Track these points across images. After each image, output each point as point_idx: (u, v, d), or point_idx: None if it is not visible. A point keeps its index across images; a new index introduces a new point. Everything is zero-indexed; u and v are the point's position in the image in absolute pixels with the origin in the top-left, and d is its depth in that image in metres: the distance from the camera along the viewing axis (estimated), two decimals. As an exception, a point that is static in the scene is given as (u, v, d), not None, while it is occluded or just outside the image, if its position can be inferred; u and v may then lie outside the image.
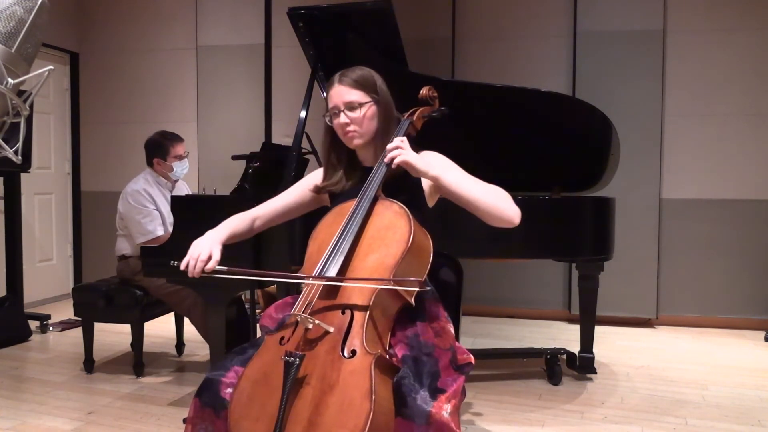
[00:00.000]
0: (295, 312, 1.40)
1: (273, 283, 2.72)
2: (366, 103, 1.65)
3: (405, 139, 1.57)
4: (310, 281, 1.44)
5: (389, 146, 1.56)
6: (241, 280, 2.62)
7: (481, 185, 1.56)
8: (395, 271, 1.39)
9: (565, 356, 3.17)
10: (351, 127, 1.65)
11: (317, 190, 1.76)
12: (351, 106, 1.64)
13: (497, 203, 1.52)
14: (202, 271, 1.52)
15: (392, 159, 1.53)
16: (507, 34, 4.53)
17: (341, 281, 1.41)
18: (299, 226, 2.49)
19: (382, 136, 1.68)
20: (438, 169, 1.54)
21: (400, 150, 1.53)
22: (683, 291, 4.31)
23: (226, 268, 1.52)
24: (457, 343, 1.50)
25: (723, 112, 4.22)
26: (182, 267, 1.53)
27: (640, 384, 3.08)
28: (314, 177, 1.81)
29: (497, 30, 4.55)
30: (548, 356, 3.13)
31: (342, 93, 1.65)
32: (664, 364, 3.43)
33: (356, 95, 1.64)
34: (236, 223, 1.72)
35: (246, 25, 4.97)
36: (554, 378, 3.05)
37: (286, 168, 2.74)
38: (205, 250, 1.55)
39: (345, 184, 1.72)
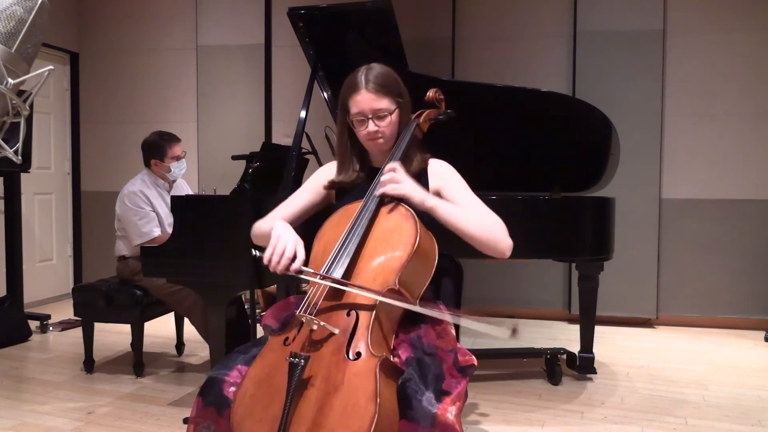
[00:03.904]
0: (301, 313, 1.39)
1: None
2: (394, 110, 1.62)
3: (397, 166, 1.53)
4: (382, 299, 1.36)
5: (384, 168, 1.55)
6: (242, 281, 2.62)
7: (476, 216, 1.55)
8: (401, 274, 1.39)
9: (565, 356, 3.17)
10: (379, 134, 1.62)
11: (332, 184, 1.72)
12: (380, 115, 1.60)
13: (489, 235, 1.53)
14: (287, 269, 1.44)
15: (386, 191, 1.50)
16: (507, 34, 4.53)
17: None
18: (301, 226, 2.48)
19: (396, 136, 1.67)
20: (433, 200, 1.53)
21: (393, 175, 1.51)
22: (683, 291, 4.31)
23: (312, 270, 1.42)
24: (459, 345, 1.50)
25: (723, 112, 4.22)
26: (265, 261, 1.45)
27: (640, 384, 3.08)
28: (325, 174, 1.77)
29: (497, 30, 4.54)
30: (548, 356, 3.13)
31: (370, 101, 1.59)
32: (664, 364, 3.43)
33: (385, 103, 1.60)
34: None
35: (246, 25, 4.96)
36: (554, 378, 3.06)
37: (286, 168, 2.74)
38: (290, 247, 1.44)
39: (356, 179, 1.69)
